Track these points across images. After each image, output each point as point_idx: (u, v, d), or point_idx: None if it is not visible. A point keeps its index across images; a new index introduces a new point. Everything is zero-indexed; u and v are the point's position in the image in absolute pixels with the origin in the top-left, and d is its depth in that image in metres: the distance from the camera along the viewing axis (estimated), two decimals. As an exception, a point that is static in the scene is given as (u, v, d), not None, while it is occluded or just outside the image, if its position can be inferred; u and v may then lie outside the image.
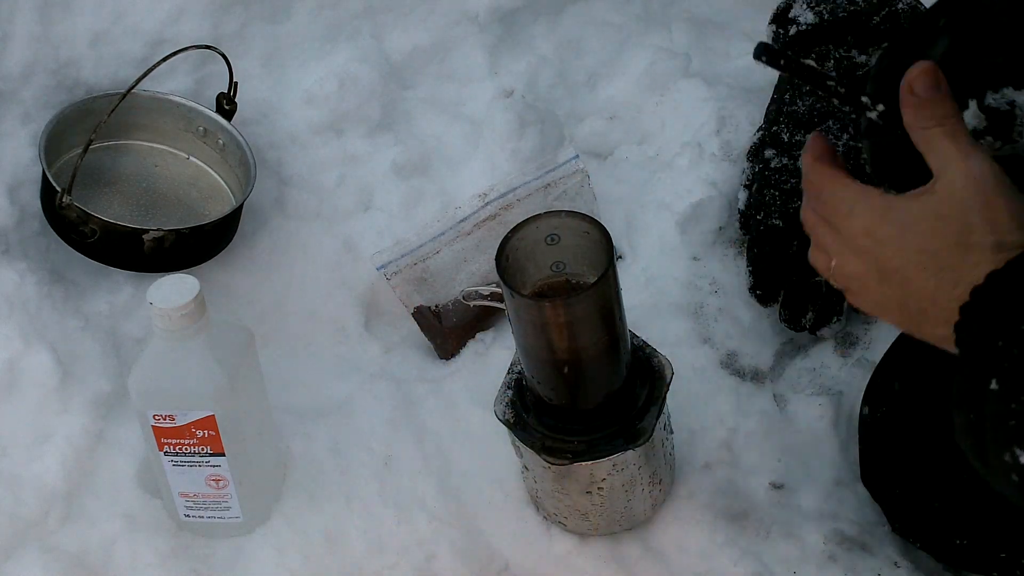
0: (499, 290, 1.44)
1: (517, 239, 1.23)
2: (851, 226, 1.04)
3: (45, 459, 1.39)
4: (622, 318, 1.26)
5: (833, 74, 1.03)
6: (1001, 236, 0.98)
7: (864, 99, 1.03)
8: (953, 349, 0.99)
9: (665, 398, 1.30)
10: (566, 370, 1.25)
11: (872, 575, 1.36)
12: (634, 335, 1.31)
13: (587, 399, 1.28)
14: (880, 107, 1.03)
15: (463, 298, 1.50)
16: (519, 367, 1.31)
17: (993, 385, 0.95)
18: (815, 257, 1.09)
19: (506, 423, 1.31)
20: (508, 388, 1.32)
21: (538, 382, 1.27)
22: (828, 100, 1.05)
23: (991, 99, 1.09)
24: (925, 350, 1.32)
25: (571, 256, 1.27)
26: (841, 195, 1.05)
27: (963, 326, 0.98)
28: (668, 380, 1.30)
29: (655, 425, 1.28)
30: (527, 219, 1.24)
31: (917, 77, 1.02)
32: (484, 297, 1.49)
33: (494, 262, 1.53)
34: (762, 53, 1.03)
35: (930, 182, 1.01)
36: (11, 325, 1.42)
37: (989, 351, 0.95)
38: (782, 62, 1.03)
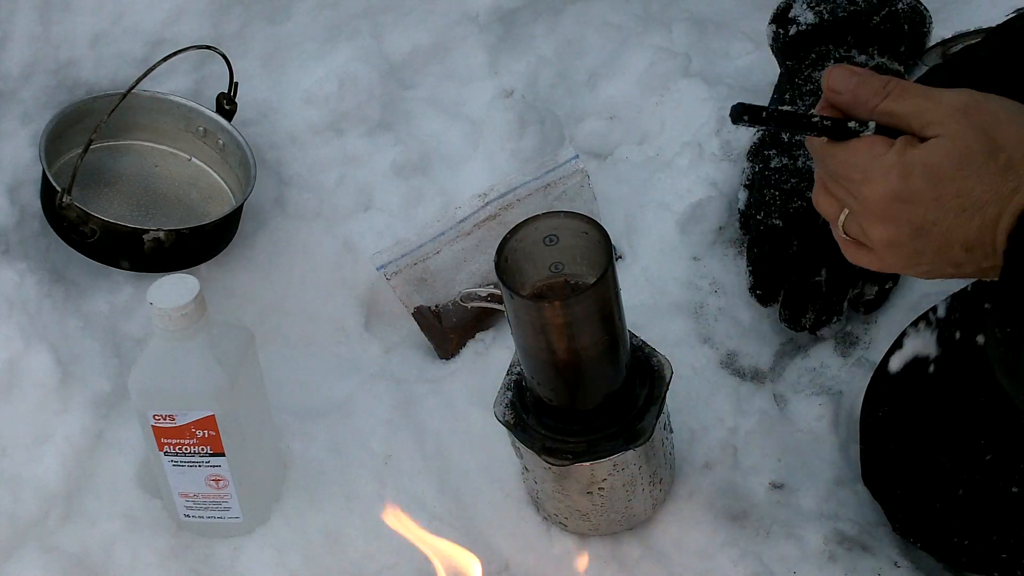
0: (497, 291, 1.44)
1: (516, 240, 1.23)
2: (872, 193, 1.02)
3: (45, 459, 1.39)
4: (621, 318, 1.26)
5: (813, 112, 1.05)
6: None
7: (852, 124, 1.03)
8: (995, 277, 1.00)
9: (665, 398, 1.30)
10: (566, 371, 1.25)
11: (872, 575, 1.36)
12: (633, 335, 1.31)
13: (587, 399, 1.28)
14: (872, 124, 1.03)
15: (461, 300, 1.50)
16: (519, 368, 1.31)
17: None
18: (824, 201, 1.07)
19: (506, 424, 1.31)
20: (508, 389, 1.32)
21: (538, 383, 1.27)
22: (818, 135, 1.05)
23: None
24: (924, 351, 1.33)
25: (569, 257, 1.27)
26: (844, 158, 1.04)
27: (1012, 252, 0.98)
28: (668, 380, 1.30)
29: (655, 425, 1.28)
30: (526, 220, 1.24)
31: (830, 78, 1.05)
32: (483, 299, 1.49)
33: (493, 263, 1.53)
34: (742, 113, 1.02)
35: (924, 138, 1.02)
36: (11, 325, 1.42)
37: None
38: (764, 115, 1.02)
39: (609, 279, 1.21)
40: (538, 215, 1.24)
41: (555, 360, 1.24)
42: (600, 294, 1.21)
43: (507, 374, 1.33)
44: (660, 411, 1.29)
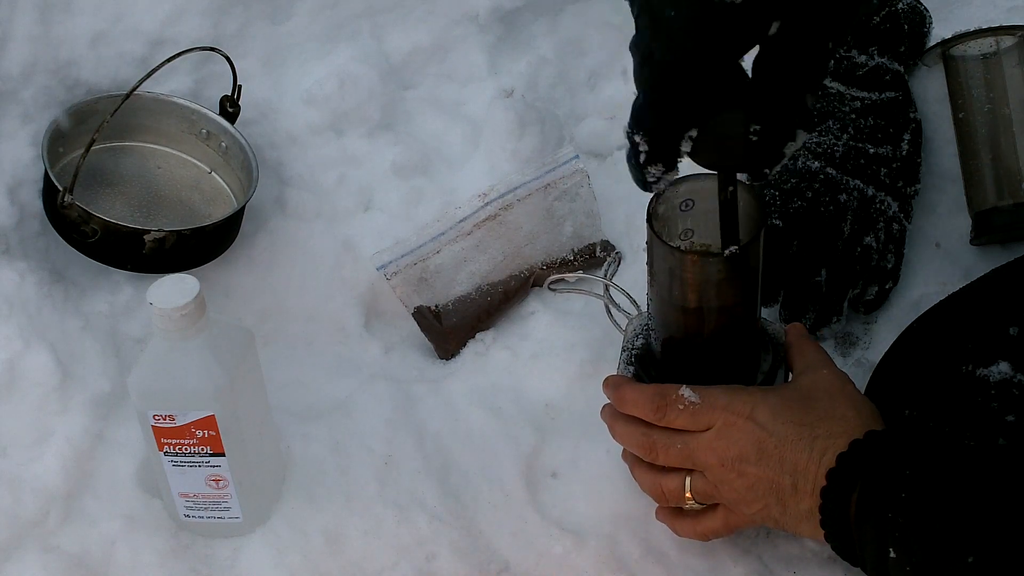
0: (585, 276, 1.47)
1: (659, 204, 1.23)
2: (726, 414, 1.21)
3: (45, 459, 1.39)
4: (758, 291, 1.25)
5: None
6: (860, 413, 1.19)
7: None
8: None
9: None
10: (704, 337, 1.24)
11: (872, 575, 1.36)
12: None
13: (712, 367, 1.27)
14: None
15: (549, 287, 1.48)
16: (639, 342, 1.31)
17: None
18: (665, 480, 1.28)
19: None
20: (628, 364, 1.32)
21: (666, 350, 1.27)
22: None
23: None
24: (924, 351, 1.32)
25: (702, 223, 1.24)
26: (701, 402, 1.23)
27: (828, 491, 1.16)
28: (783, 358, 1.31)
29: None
30: (673, 181, 1.19)
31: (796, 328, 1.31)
32: (571, 284, 1.48)
33: (495, 260, 1.53)
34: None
35: (793, 378, 1.26)
36: (11, 325, 1.42)
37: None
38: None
39: (761, 239, 1.20)
40: (681, 178, 1.19)
41: (697, 325, 1.24)
42: (754, 253, 1.20)
43: (623, 351, 1.33)
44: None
